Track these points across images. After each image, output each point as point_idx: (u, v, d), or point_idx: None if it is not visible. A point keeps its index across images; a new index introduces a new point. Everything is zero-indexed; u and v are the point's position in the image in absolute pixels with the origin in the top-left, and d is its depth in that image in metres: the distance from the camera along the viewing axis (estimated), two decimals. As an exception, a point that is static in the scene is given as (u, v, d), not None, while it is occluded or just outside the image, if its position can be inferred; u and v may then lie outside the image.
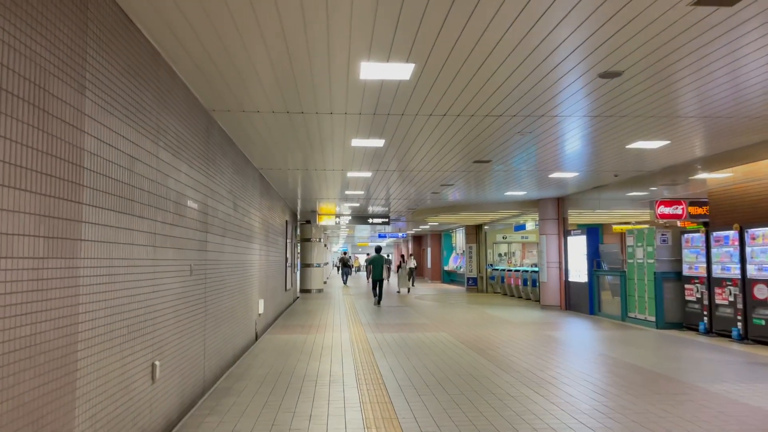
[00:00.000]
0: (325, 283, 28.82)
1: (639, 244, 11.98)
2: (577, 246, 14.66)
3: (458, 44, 4.42)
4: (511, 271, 20.71)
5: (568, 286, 15.17)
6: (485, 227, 23.91)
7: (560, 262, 15.46)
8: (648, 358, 7.97)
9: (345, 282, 30.81)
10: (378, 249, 18.37)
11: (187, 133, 5.36)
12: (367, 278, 27.91)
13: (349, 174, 11.07)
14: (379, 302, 16.99)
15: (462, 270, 28.17)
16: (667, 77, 5.25)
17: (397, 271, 23.60)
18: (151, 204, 4.30)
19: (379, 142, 7.99)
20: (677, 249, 11.38)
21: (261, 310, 10.56)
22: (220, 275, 6.95)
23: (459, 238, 30.61)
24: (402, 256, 24.42)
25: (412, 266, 27.27)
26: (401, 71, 4.93)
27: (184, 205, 5.27)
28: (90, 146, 3.24)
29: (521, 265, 23.50)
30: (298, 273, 22.00)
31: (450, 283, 31.31)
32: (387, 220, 21.10)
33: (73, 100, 3.04)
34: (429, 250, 35.91)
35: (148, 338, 4.27)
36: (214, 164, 6.55)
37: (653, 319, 11.35)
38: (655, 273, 11.33)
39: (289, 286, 16.76)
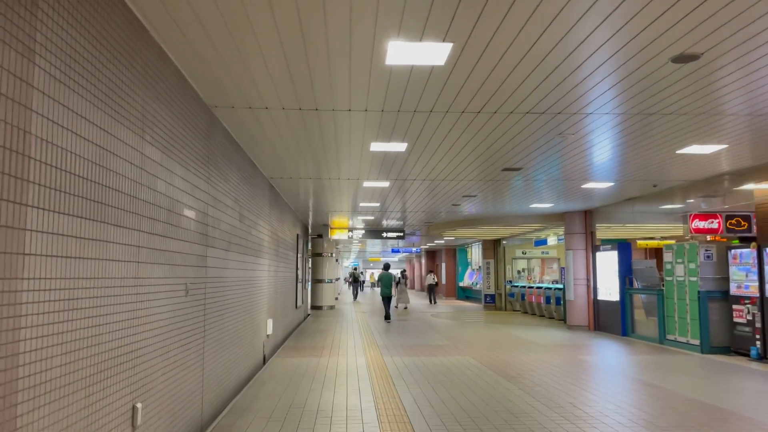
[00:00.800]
0: (336, 299, 27.98)
1: (679, 260, 11.04)
2: (607, 262, 13.72)
3: (508, 17, 3.62)
4: (532, 288, 19.75)
5: (596, 305, 14.21)
6: (504, 242, 22.99)
7: (588, 279, 14.52)
8: (706, 389, 7.03)
9: (355, 298, 30.52)
10: (386, 266, 18.27)
11: (183, 130, 4.59)
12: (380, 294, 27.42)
13: (365, 184, 10.28)
14: (387, 317, 16.93)
15: (478, 286, 27.20)
16: (752, 62, 4.41)
17: (396, 286, 23.15)
18: (133, 210, 3.51)
19: (400, 147, 7.20)
20: (723, 266, 10.43)
21: (270, 331, 9.74)
22: (223, 294, 6.15)
23: (475, 253, 29.67)
24: (402, 271, 24.14)
25: (432, 282, 26.36)
26: (436, 53, 4.14)
27: (179, 214, 4.48)
28: (40, 130, 2.46)
29: (541, 281, 22.53)
30: (309, 289, 21.20)
31: (465, 300, 30.31)
32: (402, 234, 20.27)
33: (14, 66, 2.27)
34: (443, 265, 34.97)
35: (127, 376, 3.46)
36: (216, 169, 5.78)
37: (696, 342, 10.38)
38: (698, 292, 10.37)
39: (299, 303, 15.93)
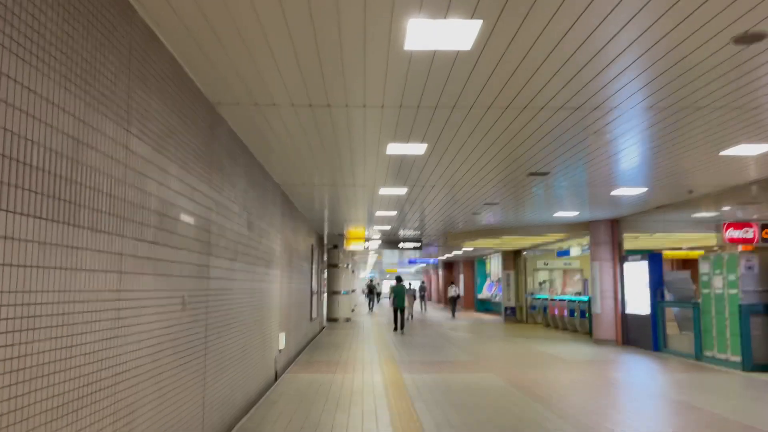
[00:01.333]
0: (352, 311, 27.47)
1: (717, 271, 10.36)
2: (636, 273, 13.03)
3: (548, -13, 3.11)
4: (555, 300, 19.04)
5: (625, 319, 13.50)
6: (524, 253, 22.31)
7: (616, 291, 13.83)
8: (759, 413, 6.36)
9: (371, 308, 30.53)
10: (399, 278, 18.88)
11: (180, 125, 4.14)
12: (391, 306, 27.25)
13: (382, 191, 9.79)
14: (402, 330, 17.43)
15: (498, 298, 26.48)
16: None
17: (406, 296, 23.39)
18: (115, 212, 3.04)
19: (419, 148, 6.69)
20: (765, 277, 9.73)
21: (282, 345, 9.24)
22: (228, 308, 5.67)
23: (494, 265, 28.96)
24: (409, 283, 24.75)
25: (454, 295, 25.73)
26: (462, 35, 3.64)
27: (175, 219, 4.02)
28: (-20, 108, 2.00)
29: (563, 293, 21.80)
30: (325, 301, 20.73)
31: (484, 312, 29.58)
32: (419, 244, 19.71)
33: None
34: (461, 277, 34.28)
35: (106, 404, 2.98)
36: (220, 172, 5.32)
37: (737, 359, 9.67)
38: (739, 305, 9.68)
39: (314, 315, 15.44)
